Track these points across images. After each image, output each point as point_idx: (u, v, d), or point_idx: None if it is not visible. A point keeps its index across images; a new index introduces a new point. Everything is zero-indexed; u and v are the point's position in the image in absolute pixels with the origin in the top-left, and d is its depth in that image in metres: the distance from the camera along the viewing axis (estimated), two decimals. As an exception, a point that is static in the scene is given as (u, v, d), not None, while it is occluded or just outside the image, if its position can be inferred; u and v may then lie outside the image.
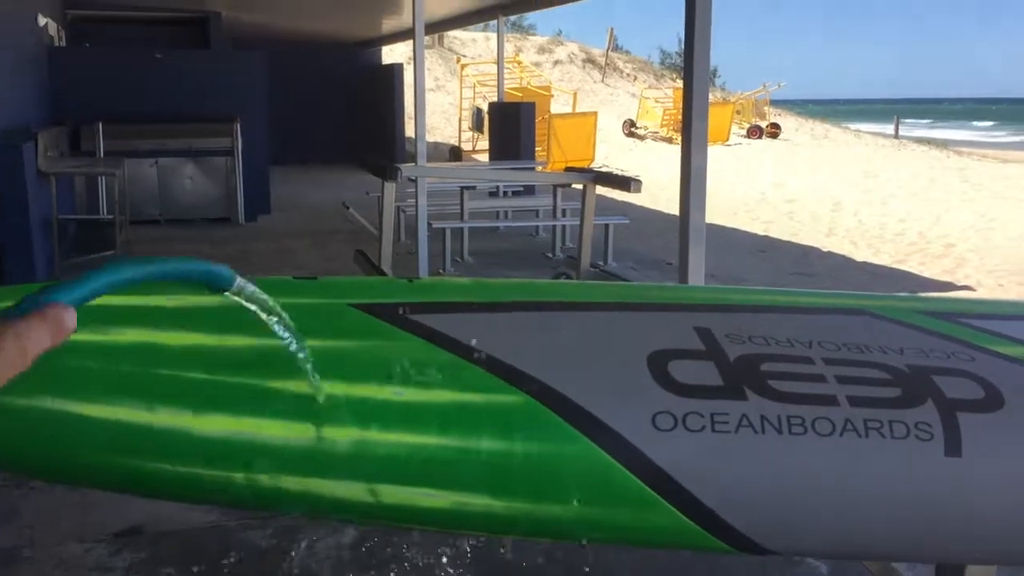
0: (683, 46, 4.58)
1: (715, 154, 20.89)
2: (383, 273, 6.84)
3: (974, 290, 8.61)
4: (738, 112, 26.06)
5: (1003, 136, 51.65)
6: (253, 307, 0.74)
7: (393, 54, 20.35)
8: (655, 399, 0.98)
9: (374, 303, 1.08)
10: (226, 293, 0.66)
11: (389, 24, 15.46)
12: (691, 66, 4.43)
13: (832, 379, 1.04)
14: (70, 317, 0.50)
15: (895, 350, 1.12)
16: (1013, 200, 14.49)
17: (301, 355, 0.90)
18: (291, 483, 0.93)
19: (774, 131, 26.17)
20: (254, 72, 10.56)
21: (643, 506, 0.96)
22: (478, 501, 0.95)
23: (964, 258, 10.20)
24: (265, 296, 0.74)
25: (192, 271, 0.61)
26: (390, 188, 7.38)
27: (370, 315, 1.05)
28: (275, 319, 0.81)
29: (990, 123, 66.65)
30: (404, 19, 13.22)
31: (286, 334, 0.85)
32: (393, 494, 0.90)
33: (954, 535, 1.04)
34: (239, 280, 0.66)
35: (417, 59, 8.69)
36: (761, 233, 11.75)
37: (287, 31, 16.09)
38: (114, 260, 0.58)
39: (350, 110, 17.56)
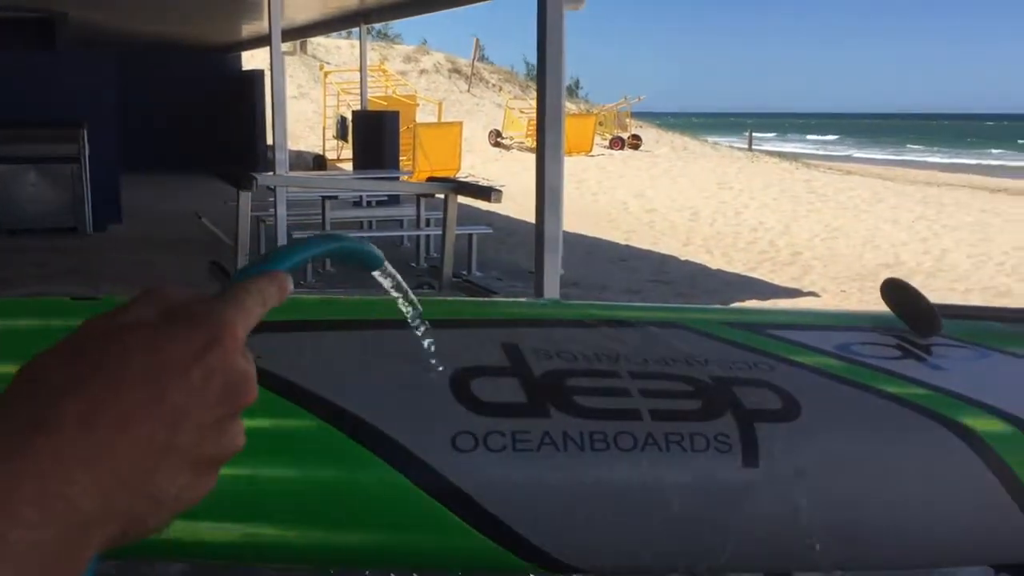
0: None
1: (579, 165, 21.34)
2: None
3: (819, 296, 9.05)
4: (600, 124, 26.61)
5: (844, 149, 54.75)
6: (394, 292, 0.79)
7: (254, 60, 19.85)
8: (456, 419, 0.96)
9: None
10: (375, 272, 0.72)
11: (249, 29, 15.08)
12: (543, 80, 4.49)
13: (637, 393, 1.05)
14: (290, 281, 0.53)
15: (700, 362, 1.15)
16: (855, 210, 15.31)
17: (431, 348, 0.90)
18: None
19: (635, 143, 26.85)
20: (102, 75, 10.11)
21: (445, 530, 0.94)
22: (269, 532, 0.91)
23: (810, 265, 10.69)
24: (405, 285, 0.79)
25: (358, 249, 0.67)
26: (245, 197, 7.19)
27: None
28: (409, 307, 0.84)
29: (834, 136, 70.66)
30: (264, 24, 12.92)
31: (417, 321, 0.87)
32: (177, 528, 0.84)
33: (752, 544, 1.07)
34: (387, 264, 0.72)
35: (274, 65, 8.50)
36: (623, 242, 12.02)
37: (143, 35, 15.49)
38: (315, 236, 0.63)
39: (210, 117, 17.05)
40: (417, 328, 0.88)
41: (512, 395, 1.00)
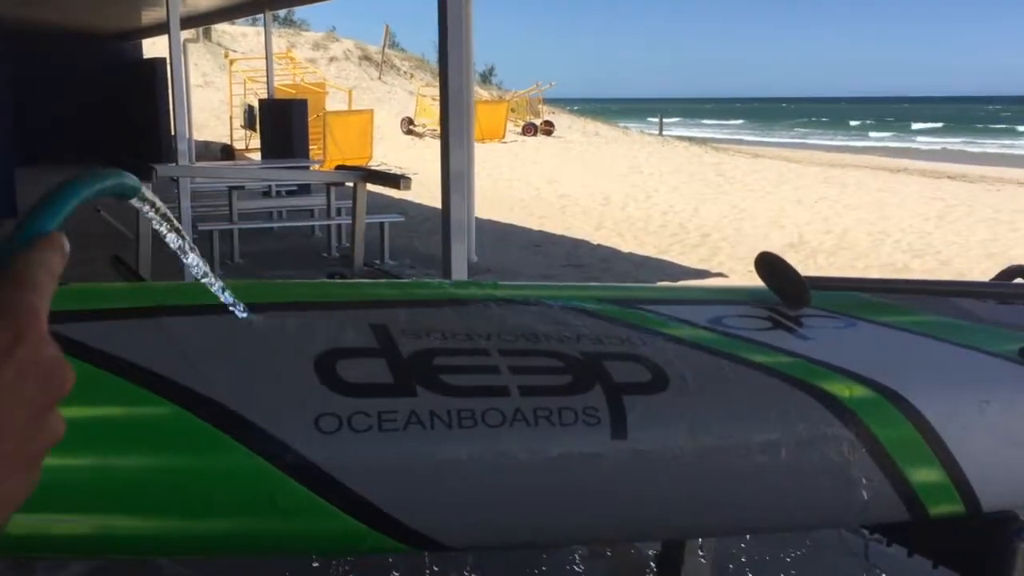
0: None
1: (492, 151, 21.35)
2: (141, 279, 6.46)
3: (727, 276, 9.24)
4: (513, 110, 26.65)
5: (753, 133, 56.05)
6: (155, 217, 0.75)
7: (156, 48, 19.28)
8: (320, 401, 0.95)
9: None
10: (133, 200, 0.68)
11: (149, 16, 14.63)
12: (446, 65, 4.47)
13: (506, 370, 1.06)
14: (65, 240, 0.50)
15: (572, 338, 1.16)
16: (760, 192, 15.67)
17: (200, 274, 0.89)
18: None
19: (548, 129, 26.99)
20: (-13, 64, 9.70)
21: (311, 513, 0.93)
22: (124, 523, 0.88)
23: (718, 247, 10.91)
24: (166, 209, 0.76)
25: (113, 182, 0.62)
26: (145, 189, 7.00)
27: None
28: (170, 232, 0.80)
29: (740, 121, 72.36)
30: (164, 11, 12.55)
31: (189, 254, 0.84)
32: (23, 523, 0.81)
33: (627, 514, 1.09)
34: (144, 190, 0.68)
35: (173, 52, 8.28)
36: (536, 228, 12.07)
37: (38, 23, 14.88)
38: (64, 182, 0.57)
39: (110, 107, 16.52)
40: (196, 271, 0.89)
41: (379, 375, 1.00)
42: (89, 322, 0.98)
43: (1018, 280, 1.98)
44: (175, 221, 0.78)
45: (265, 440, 0.90)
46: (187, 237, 0.83)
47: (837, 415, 1.15)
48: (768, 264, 1.48)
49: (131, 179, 0.65)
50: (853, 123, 66.86)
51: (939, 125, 60.99)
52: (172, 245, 0.82)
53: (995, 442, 1.25)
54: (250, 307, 1.03)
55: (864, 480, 1.18)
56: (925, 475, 1.21)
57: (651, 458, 1.05)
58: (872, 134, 54.35)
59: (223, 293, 1.02)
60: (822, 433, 1.14)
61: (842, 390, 1.18)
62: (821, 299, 1.52)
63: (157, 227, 0.77)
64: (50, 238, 0.49)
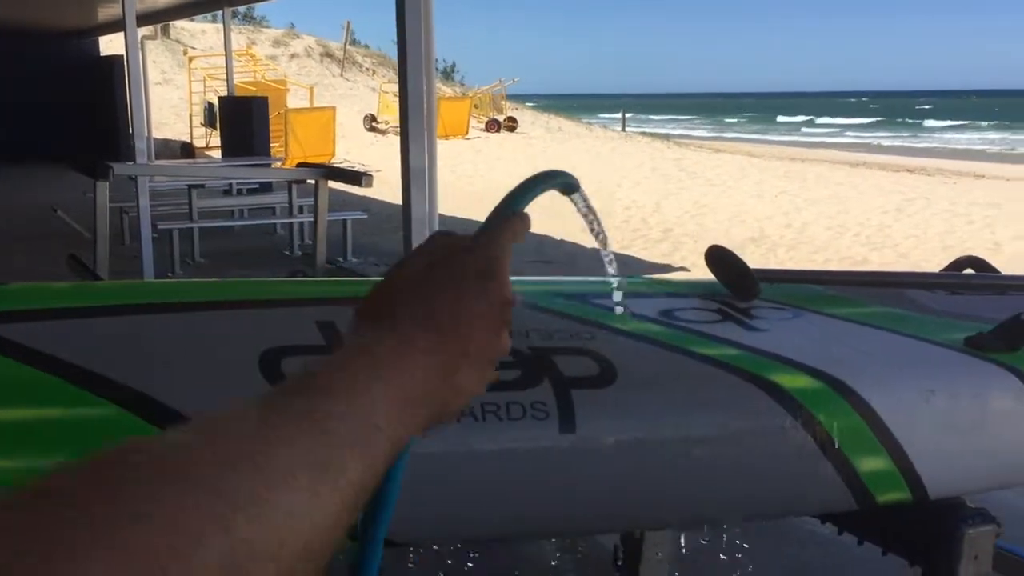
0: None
1: (455, 148, 21.32)
2: (98, 278, 6.37)
3: (689, 271, 9.31)
4: (476, 107, 26.62)
5: (715, 128, 56.61)
6: (588, 215, 0.89)
7: (114, 45, 19.01)
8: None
9: None
10: (573, 196, 0.84)
11: (106, 13, 14.42)
12: (404, 62, 4.44)
13: (454, 366, 1.06)
14: (528, 218, 0.70)
15: (522, 333, 1.16)
16: (722, 187, 15.80)
17: (612, 272, 1.00)
18: None
19: (511, 125, 26.99)
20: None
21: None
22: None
23: (680, 242, 10.99)
24: (594, 209, 0.90)
25: (561, 180, 0.81)
26: (103, 188, 6.90)
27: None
28: (598, 230, 0.93)
29: (695, 116, 73.30)
30: (120, 8, 12.36)
31: (606, 249, 0.96)
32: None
33: (577, 508, 1.09)
34: (582, 189, 0.85)
35: (130, 49, 8.16)
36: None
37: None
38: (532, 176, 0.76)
39: (66, 105, 16.27)
40: (609, 265, 1.00)
41: None
42: (28, 323, 0.97)
43: (968, 271, 2.01)
44: (600, 222, 0.92)
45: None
46: (607, 237, 0.95)
47: (784, 406, 1.16)
48: (718, 257, 1.49)
49: (573, 178, 0.82)
50: (781, 119, 67.83)
51: (868, 120, 62.34)
52: (596, 241, 0.95)
53: (941, 430, 1.28)
54: (196, 306, 1.02)
55: (812, 470, 1.19)
56: (872, 464, 1.23)
57: (600, 452, 1.06)
58: (805, 129, 55.21)
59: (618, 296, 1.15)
60: (770, 424, 1.15)
61: (789, 381, 1.19)
62: (771, 292, 1.53)
63: (587, 223, 0.91)
64: (519, 215, 0.69)
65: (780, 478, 1.20)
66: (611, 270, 1.04)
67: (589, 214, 0.90)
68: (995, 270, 2.01)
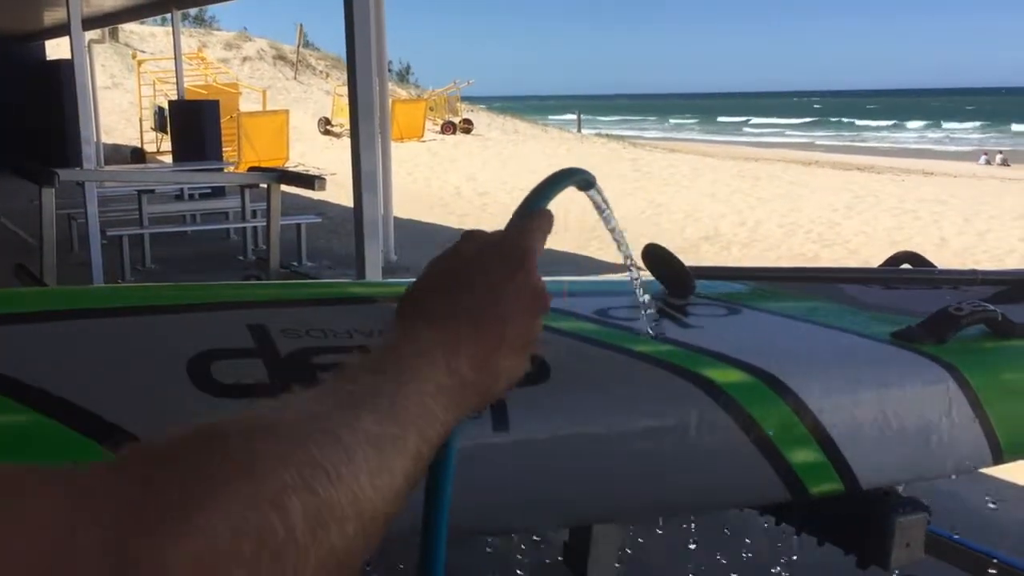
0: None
1: (411, 150, 21.26)
2: (44, 286, 6.26)
3: (644, 269, 9.37)
4: (431, 109, 26.58)
5: (670, 129, 57.08)
6: (604, 208, 0.94)
7: (60, 49, 18.68)
8: (193, 404, 0.94)
9: None
10: (590, 192, 0.91)
11: (52, 16, 14.16)
12: (353, 66, 4.43)
13: (386, 368, 1.06)
14: (551, 214, 0.75)
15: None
16: (676, 186, 15.95)
17: (632, 268, 1.06)
18: None
19: (467, 127, 26.99)
20: None
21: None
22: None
23: (636, 241, 10.86)
24: (610, 206, 0.95)
25: (583, 176, 0.87)
26: (48, 195, 6.77)
27: None
28: (613, 221, 0.97)
29: (654, 117, 74.02)
30: (65, 12, 12.13)
31: (621, 240, 1.00)
32: None
33: (513, 505, 1.10)
34: (599, 185, 0.91)
35: (75, 52, 8.04)
36: (456, 226, 12.07)
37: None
38: (552, 175, 0.82)
39: (11, 109, 15.94)
40: (627, 259, 1.07)
41: (255, 376, 0.99)
42: (-53, 331, 0.95)
43: (905, 266, 2.06)
44: (615, 220, 0.97)
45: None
46: (623, 232, 1.00)
47: (717, 400, 1.18)
48: (654, 255, 1.51)
49: (590, 175, 0.88)
50: (721, 119, 68.79)
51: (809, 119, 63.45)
52: (613, 236, 1.00)
53: (869, 421, 1.30)
54: (129, 311, 1.01)
55: (746, 463, 1.21)
56: (804, 456, 1.25)
57: (534, 449, 1.07)
58: (747, 129, 56.00)
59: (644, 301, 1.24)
60: (702, 419, 1.17)
61: (722, 376, 1.21)
62: (708, 288, 1.55)
63: (603, 218, 0.95)
64: (542, 212, 0.75)
65: (715, 472, 1.22)
66: (638, 287, 1.14)
67: (605, 209, 0.95)
68: (931, 264, 2.06)
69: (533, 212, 0.74)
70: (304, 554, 0.42)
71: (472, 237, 0.71)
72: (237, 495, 0.41)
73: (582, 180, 0.86)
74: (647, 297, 1.25)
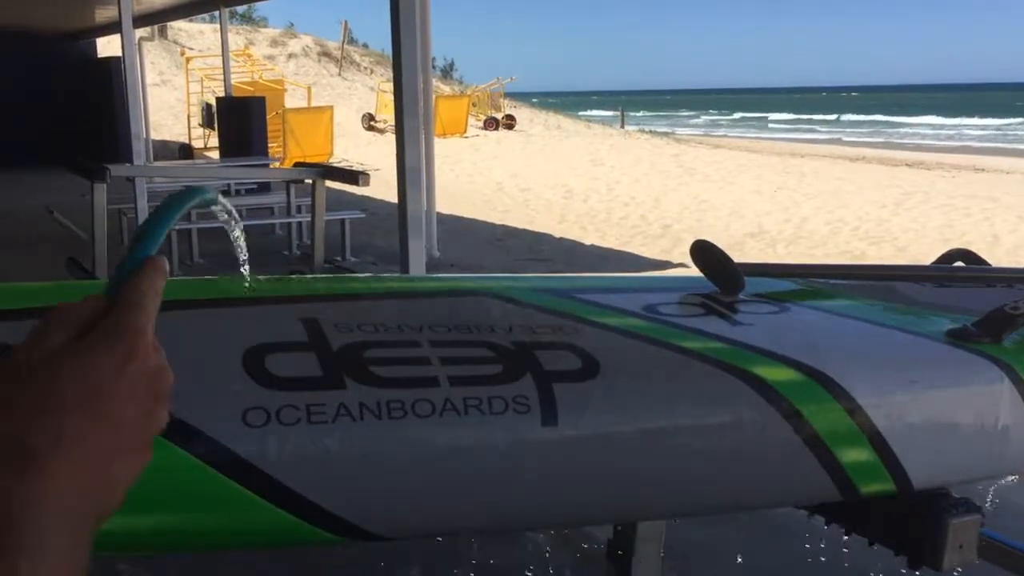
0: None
1: (454, 146, 21.32)
2: (97, 280, 6.37)
3: (688, 267, 9.31)
4: (474, 105, 26.62)
5: (714, 126, 56.62)
6: (227, 218, 0.87)
7: (112, 47, 19.01)
8: (246, 395, 0.95)
9: None
10: (214, 208, 0.80)
11: (103, 14, 14.41)
12: (399, 62, 4.46)
13: (436, 361, 1.07)
14: (165, 261, 0.61)
15: (504, 329, 1.17)
16: (720, 183, 15.81)
17: (245, 267, 0.98)
18: None
19: (509, 123, 26.99)
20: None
21: (240, 507, 0.93)
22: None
23: (680, 238, 10.98)
24: (236, 215, 0.88)
25: (197, 197, 0.72)
26: (100, 190, 6.90)
27: None
28: (238, 234, 0.92)
29: (697, 112, 73.79)
30: (117, 10, 12.34)
31: (242, 245, 0.96)
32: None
33: (560, 500, 1.11)
34: (221, 197, 0.80)
35: (126, 49, 8.18)
36: (499, 222, 12.08)
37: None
38: (156, 209, 0.68)
39: (64, 107, 16.25)
40: (242, 264, 0.98)
41: (308, 369, 1.00)
42: (5, 322, 0.98)
43: (958, 263, 2.02)
44: (240, 228, 0.91)
45: (190, 435, 0.91)
46: (243, 238, 0.94)
47: (767, 399, 1.17)
48: (703, 252, 1.50)
49: (209, 192, 0.75)
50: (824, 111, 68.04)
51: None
52: (233, 242, 0.94)
53: (923, 421, 1.28)
54: (176, 304, 1.03)
55: (795, 462, 1.20)
56: (855, 455, 1.23)
57: (582, 444, 1.07)
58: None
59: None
60: (752, 417, 1.16)
61: (772, 374, 1.20)
62: (757, 286, 1.54)
63: (228, 228, 0.89)
64: (153, 262, 0.59)
65: (764, 470, 1.21)
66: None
67: (231, 222, 0.87)
68: (985, 262, 2.02)
69: (138, 267, 0.58)
70: None
71: (61, 314, 0.55)
72: None
73: (200, 200, 0.72)
74: None
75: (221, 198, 0.79)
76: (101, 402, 0.52)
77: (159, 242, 0.62)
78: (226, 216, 0.86)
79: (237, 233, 0.91)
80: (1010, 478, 1.45)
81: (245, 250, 0.96)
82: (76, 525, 0.49)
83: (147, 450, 0.56)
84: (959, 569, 1.42)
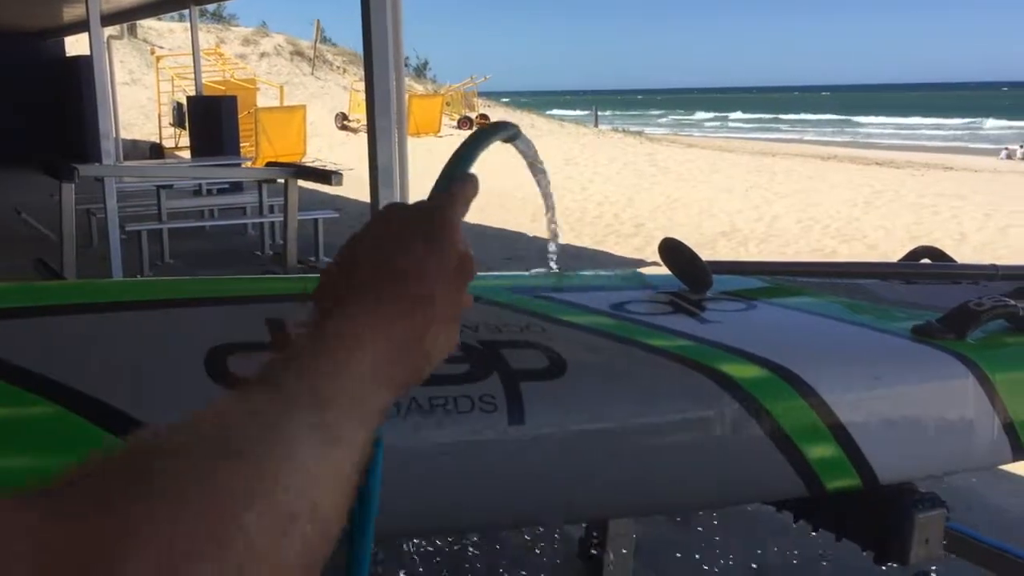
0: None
1: (427, 145, 21.23)
2: (65, 280, 6.30)
3: (660, 265, 9.34)
4: (448, 104, 26.58)
5: (687, 125, 56.90)
6: (530, 158, 0.94)
7: (80, 45, 18.79)
8: (207, 396, 0.94)
9: None
10: (515, 142, 0.89)
11: (71, 13, 14.24)
12: (370, 61, 4.44)
13: (402, 362, 1.06)
14: (476, 179, 0.74)
15: (471, 328, 1.17)
16: (693, 181, 15.87)
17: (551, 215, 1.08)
18: None
19: (483, 122, 26.93)
20: None
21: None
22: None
23: (652, 236, 11.01)
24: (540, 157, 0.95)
25: (501, 132, 0.84)
26: (68, 190, 6.83)
27: None
28: (541, 172, 0.99)
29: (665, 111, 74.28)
30: (84, 8, 12.18)
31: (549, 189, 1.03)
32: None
33: (529, 499, 1.10)
34: (522, 134, 0.88)
35: (94, 47, 8.08)
36: (474, 222, 11.96)
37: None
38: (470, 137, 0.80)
39: (31, 106, 16.05)
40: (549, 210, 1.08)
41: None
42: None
43: (924, 260, 2.04)
44: (545, 171, 0.97)
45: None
46: (549, 181, 1.01)
47: (734, 396, 1.17)
48: (671, 250, 1.51)
49: (513, 126, 0.85)
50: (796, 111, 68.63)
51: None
52: (539, 187, 1.01)
53: (888, 417, 1.30)
54: (147, 305, 1.02)
55: (762, 458, 1.21)
56: (821, 451, 1.24)
57: (549, 443, 1.07)
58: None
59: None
60: (719, 414, 1.17)
61: (739, 371, 1.20)
62: (725, 284, 1.55)
63: (530, 167, 0.95)
64: (466, 178, 0.73)
65: (731, 467, 1.21)
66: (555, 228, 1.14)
67: (531, 157, 0.95)
68: (951, 259, 2.04)
69: (456, 180, 0.72)
70: (265, 563, 0.40)
71: (390, 211, 0.68)
72: (186, 519, 0.38)
73: (506, 135, 0.84)
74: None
75: (524, 136, 0.88)
76: (420, 271, 0.62)
77: (470, 164, 0.76)
78: (530, 155, 0.93)
79: (542, 176, 0.97)
80: (974, 473, 1.46)
81: (553, 198, 1.03)
82: (391, 370, 0.57)
83: (456, 324, 0.65)
84: (933, 568, 1.43)
